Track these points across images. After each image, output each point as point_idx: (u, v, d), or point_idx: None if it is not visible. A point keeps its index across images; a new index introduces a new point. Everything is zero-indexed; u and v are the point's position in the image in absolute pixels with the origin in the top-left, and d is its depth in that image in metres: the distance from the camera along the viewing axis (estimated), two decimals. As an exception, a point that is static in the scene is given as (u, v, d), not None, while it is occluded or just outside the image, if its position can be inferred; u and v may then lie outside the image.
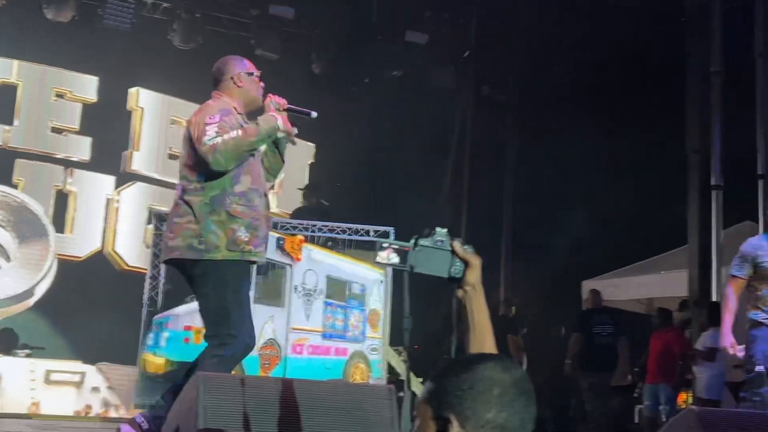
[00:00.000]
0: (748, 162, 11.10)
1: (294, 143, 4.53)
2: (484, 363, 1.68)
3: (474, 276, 2.14)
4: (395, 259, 2.17)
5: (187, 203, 4.15)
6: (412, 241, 2.15)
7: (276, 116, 4.26)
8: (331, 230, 11.44)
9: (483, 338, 2.10)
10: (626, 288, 13.07)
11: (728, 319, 5.98)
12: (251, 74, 4.47)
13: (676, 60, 12.08)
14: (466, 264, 2.12)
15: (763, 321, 5.84)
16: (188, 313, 9.35)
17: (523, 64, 13.78)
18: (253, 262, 4.31)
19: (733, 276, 6.05)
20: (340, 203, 12.69)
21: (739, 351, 6.86)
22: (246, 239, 4.16)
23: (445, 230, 2.17)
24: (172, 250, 4.18)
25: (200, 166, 4.12)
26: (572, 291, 13.34)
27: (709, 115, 11.32)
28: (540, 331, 13.06)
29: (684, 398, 10.77)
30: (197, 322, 9.39)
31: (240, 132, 4.10)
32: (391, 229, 11.26)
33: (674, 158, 12.09)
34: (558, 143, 13.39)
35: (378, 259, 2.19)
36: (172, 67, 12.64)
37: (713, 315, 10.32)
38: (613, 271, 13.34)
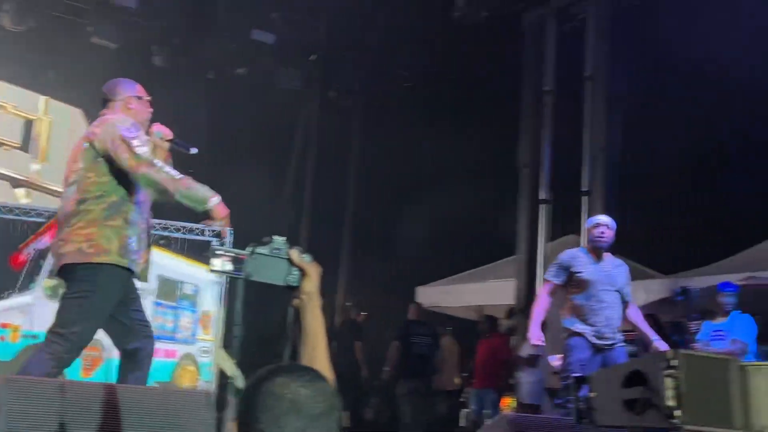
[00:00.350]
0: (575, 178, 11.71)
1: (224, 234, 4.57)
2: (272, 378, 1.71)
3: (310, 285, 2.15)
4: (229, 266, 2.16)
5: (82, 211, 4.18)
6: (249, 249, 2.14)
7: (216, 198, 4.26)
8: (165, 228, 11.12)
9: (315, 347, 2.11)
10: (458, 295, 13.46)
11: (537, 315, 6.32)
12: (141, 98, 4.52)
13: (513, 77, 12.58)
14: (303, 273, 2.13)
15: (579, 330, 6.16)
16: (4, 311, 8.84)
17: (369, 70, 13.93)
18: (133, 273, 4.34)
19: (548, 280, 6.40)
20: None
21: (554, 360, 7.26)
22: (135, 248, 4.26)
23: (283, 239, 2.17)
24: (61, 258, 4.20)
25: (104, 175, 4.20)
26: (409, 296, 13.62)
27: (540, 132, 11.84)
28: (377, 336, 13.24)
29: (508, 403, 11.17)
30: (15, 319, 8.92)
31: (179, 177, 4.15)
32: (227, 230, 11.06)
33: (508, 171, 12.58)
34: (401, 151, 13.64)
35: (212, 267, 2.17)
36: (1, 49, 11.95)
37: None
38: (447, 278, 13.71)
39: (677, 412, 3.68)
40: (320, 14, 13.91)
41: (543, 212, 11.84)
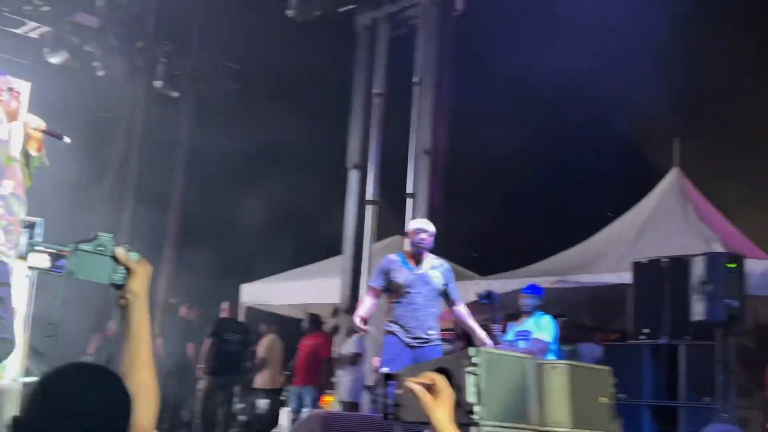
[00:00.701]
0: (401, 180, 11.95)
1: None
2: (57, 377, 1.70)
3: (137, 284, 2.05)
4: (47, 263, 2.04)
5: None
6: (72, 246, 2.04)
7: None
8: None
9: (138, 349, 2.02)
10: (284, 293, 13.43)
11: (362, 305, 6.56)
12: (11, 89, 4.60)
13: (345, 77, 12.68)
14: (129, 271, 2.03)
15: (390, 330, 6.32)
16: None
17: (199, 61, 13.61)
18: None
19: (371, 286, 6.55)
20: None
21: (376, 360, 7.41)
22: (1, 241, 4.33)
23: (109, 236, 2.08)
24: None
25: None
26: (234, 293, 13.44)
27: (369, 132, 11.98)
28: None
29: (328, 400, 11.23)
30: None
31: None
32: (39, 220, 10.48)
33: (337, 170, 12.66)
34: (231, 144, 13.41)
35: (29, 263, 2.06)
36: None
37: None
38: (273, 275, 13.64)
39: (477, 409, 3.80)
40: (148, 1, 13.46)
41: (370, 212, 11.99)
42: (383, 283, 6.46)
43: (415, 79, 11.51)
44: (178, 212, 14.21)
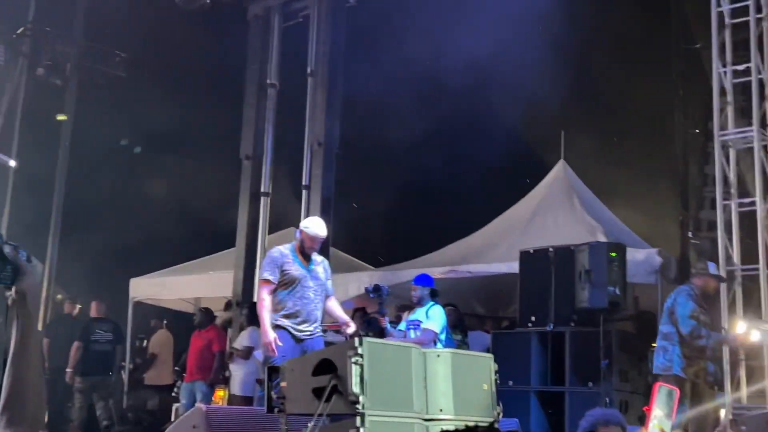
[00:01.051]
0: (296, 172, 11.88)
1: None
2: None
3: (25, 283, 1.93)
4: None
5: None
6: None
7: None
8: None
9: (25, 345, 1.91)
10: (175, 287, 13.16)
11: (267, 317, 6.40)
12: None
13: (238, 68, 12.51)
14: (18, 271, 1.91)
15: (280, 324, 6.36)
16: None
17: (83, 49, 13.15)
18: None
19: (265, 279, 6.49)
20: None
21: (259, 355, 7.33)
22: None
23: None
24: None
25: None
26: (123, 288, 13.11)
27: (263, 124, 11.86)
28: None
29: (222, 395, 11.08)
30: None
31: None
32: None
33: (231, 162, 12.49)
34: (119, 134, 13.07)
35: None
36: None
37: (252, 315, 10.84)
38: (164, 269, 13.34)
39: (361, 399, 3.81)
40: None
41: (263, 205, 11.88)
42: (278, 276, 6.48)
43: (308, 70, 11.47)
44: (62, 203, 13.72)
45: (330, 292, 6.79)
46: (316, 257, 6.72)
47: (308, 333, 6.43)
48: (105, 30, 12.88)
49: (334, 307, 6.83)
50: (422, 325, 7.74)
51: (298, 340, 6.30)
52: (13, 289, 1.95)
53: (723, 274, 8.71)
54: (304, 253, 6.59)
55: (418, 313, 7.85)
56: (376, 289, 7.88)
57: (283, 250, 6.64)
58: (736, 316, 8.16)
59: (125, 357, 12.74)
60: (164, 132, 12.54)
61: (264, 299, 6.48)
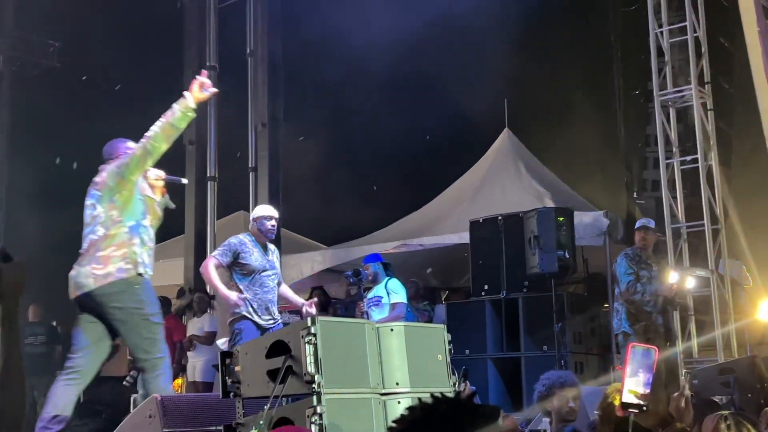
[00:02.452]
0: (242, 155, 11.77)
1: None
2: None
3: (3, 284, 1.82)
4: None
5: (110, 236, 4.91)
6: None
7: (186, 96, 4.95)
8: None
9: (8, 349, 1.82)
10: (126, 277, 12.97)
11: (218, 282, 6.49)
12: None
13: (176, 51, 12.30)
14: None
15: (243, 314, 6.39)
16: None
17: (14, 40, 12.80)
18: None
19: (216, 258, 6.53)
20: None
21: (223, 343, 7.33)
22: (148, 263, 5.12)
23: None
24: (105, 277, 4.84)
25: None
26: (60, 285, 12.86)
27: (205, 108, 11.70)
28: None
29: (179, 383, 11.00)
30: None
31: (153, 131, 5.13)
32: None
33: (174, 148, 12.29)
34: (56, 130, 12.78)
35: None
36: None
37: (208, 301, 10.78)
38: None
39: (317, 378, 3.79)
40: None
41: (210, 189, 11.76)
42: (229, 261, 6.47)
43: (248, 50, 11.35)
44: (2, 196, 13.42)
45: (281, 278, 6.83)
46: (270, 245, 6.73)
47: (271, 320, 6.48)
48: (35, 19, 12.53)
49: (288, 291, 6.86)
50: (387, 300, 7.76)
51: (263, 330, 6.32)
52: None
53: (669, 231, 8.88)
54: (261, 241, 6.60)
55: (377, 290, 7.87)
56: (356, 274, 7.87)
57: (243, 238, 6.63)
58: (669, 267, 8.31)
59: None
60: (105, 121, 12.27)
61: (210, 270, 6.45)
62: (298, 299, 6.80)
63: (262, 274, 6.48)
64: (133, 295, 4.97)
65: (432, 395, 1.71)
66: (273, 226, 6.60)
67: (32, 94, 12.97)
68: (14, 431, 1.82)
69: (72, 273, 4.99)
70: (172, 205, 5.55)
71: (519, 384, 8.59)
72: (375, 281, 7.94)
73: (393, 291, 7.85)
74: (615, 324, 7.93)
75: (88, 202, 5.12)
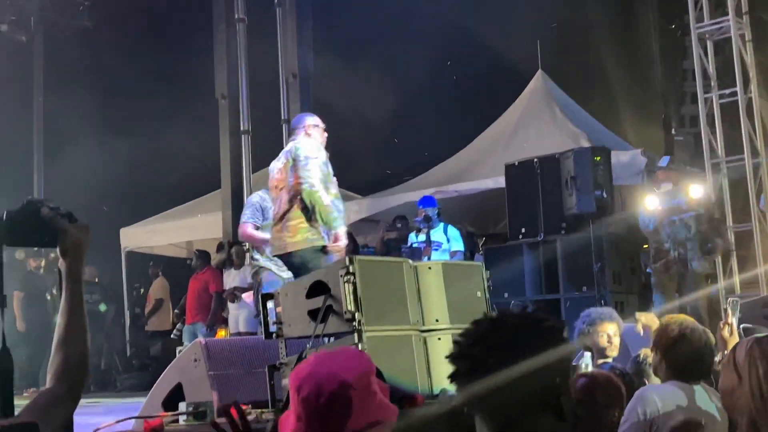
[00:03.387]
0: (274, 107, 11.75)
1: None
2: None
3: (68, 244, 1.89)
4: None
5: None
6: (4, 214, 1.90)
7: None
8: None
9: (72, 313, 1.88)
10: (166, 233, 13.16)
11: (261, 238, 6.62)
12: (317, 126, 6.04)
13: (204, 6, 12.26)
14: (60, 232, 1.87)
15: (265, 266, 6.65)
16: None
17: (47, 4, 12.85)
18: None
19: (251, 221, 6.72)
20: None
21: (248, 297, 7.50)
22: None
23: (39, 198, 1.97)
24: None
25: None
26: (112, 238, 13.07)
27: (235, 62, 11.67)
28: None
29: (223, 335, 11.18)
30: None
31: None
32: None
33: (207, 103, 12.34)
34: (91, 87, 12.85)
35: None
36: None
37: (245, 252, 10.87)
38: (152, 216, 13.31)
39: (357, 315, 3.83)
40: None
41: (245, 143, 11.78)
42: (260, 219, 6.62)
43: (275, 1, 11.26)
44: (40, 158, 13.60)
45: None
46: None
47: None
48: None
49: None
50: (447, 246, 7.78)
51: (284, 281, 6.36)
52: (58, 251, 1.91)
53: (708, 167, 8.75)
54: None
55: (435, 234, 7.86)
56: (427, 219, 7.89)
57: (262, 194, 6.76)
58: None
59: (123, 309, 12.81)
60: (138, 77, 12.34)
61: (254, 234, 6.64)
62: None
63: None
64: None
65: (499, 310, 1.73)
66: None
67: (65, 54, 13.06)
68: (77, 384, 1.88)
69: None
70: None
71: (559, 325, 8.58)
72: (430, 226, 7.94)
73: (453, 238, 7.88)
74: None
75: None
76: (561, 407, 1.65)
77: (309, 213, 5.61)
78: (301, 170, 5.63)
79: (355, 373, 1.87)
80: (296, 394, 1.88)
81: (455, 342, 1.71)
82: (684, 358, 3.31)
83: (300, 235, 5.62)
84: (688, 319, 3.45)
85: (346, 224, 6.74)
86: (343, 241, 5.74)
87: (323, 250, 5.60)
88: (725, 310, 7.80)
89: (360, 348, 3.77)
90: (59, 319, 1.91)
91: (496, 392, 1.61)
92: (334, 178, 5.98)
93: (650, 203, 8.31)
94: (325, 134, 6.14)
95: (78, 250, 1.94)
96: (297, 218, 5.63)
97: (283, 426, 1.95)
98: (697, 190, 8.00)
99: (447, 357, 1.69)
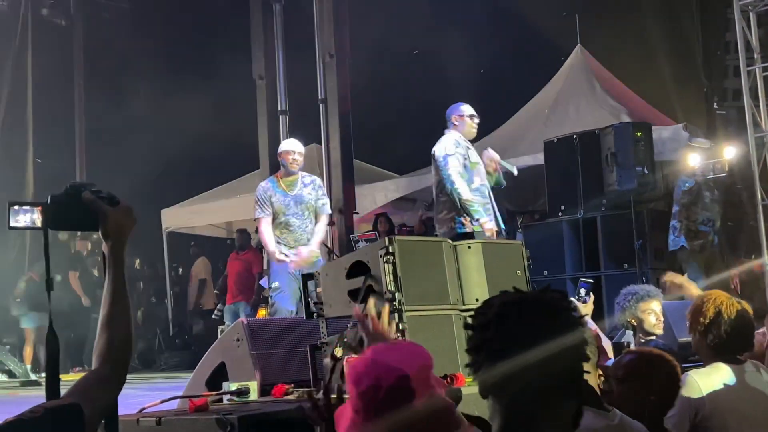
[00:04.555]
0: (311, 87, 11.76)
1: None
2: None
3: (109, 227, 1.91)
4: (26, 219, 1.93)
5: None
6: (48, 198, 1.94)
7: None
8: None
9: (115, 296, 1.91)
10: (206, 214, 13.28)
11: (269, 240, 6.66)
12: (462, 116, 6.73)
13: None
14: (101, 216, 1.90)
15: (279, 257, 6.56)
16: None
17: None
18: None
19: (263, 216, 6.73)
20: None
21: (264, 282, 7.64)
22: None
23: (81, 182, 1.99)
24: None
25: None
26: (153, 220, 13.22)
27: (272, 42, 11.68)
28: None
29: (264, 314, 11.29)
30: None
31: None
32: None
33: (244, 84, 12.39)
34: (130, 70, 12.96)
35: (10, 223, 1.92)
36: None
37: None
38: (192, 197, 13.44)
39: (397, 295, 3.84)
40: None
41: (282, 123, 11.81)
42: (269, 210, 6.66)
43: (312, -20, 11.23)
44: (82, 141, 13.77)
45: (322, 211, 6.85)
46: (304, 178, 6.82)
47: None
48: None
49: (318, 229, 6.85)
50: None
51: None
52: (99, 234, 1.92)
53: (752, 141, 8.61)
54: (285, 179, 6.74)
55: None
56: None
57: (264, 184, 6.85)
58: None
59: (166, 289, 12.98)
60: (176, 57, 12.42)
61: (263, 231, 6.68)
62: (315, 239, 6.77)
63: (286, 214, 6.60)
64: None
65: (514, 288, 1.70)
66: (294, 160, 6.71)
67: (104, 35, 13.17)
68: (122, 366, 1.90)
69: None
70: (503, 181, 7.03)
71: (600, 302, 8.51)
72: None
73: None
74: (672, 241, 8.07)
75: None
76: (580, 391, 1.64)
77: (456, 207, 6.29)
78: (442, 170, 6.35)
79: (414, 367, 1.84)
80: (354, 387, 1.86)
81: (465, 325, 1.69)
82: (724, 335, 3.23)
83: (446, 226, 6.34)
84: (721, 295, 3.34)
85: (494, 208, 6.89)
86: (489, 225, 6.26)
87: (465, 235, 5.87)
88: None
89: (400, 327, 3.79)
90: (103, 302, 1.92)
91: (513, 379, 1.58)
92: (480, 166, 6.58)
93: (693, 160, 8.38)
94: (476, 120, 6.77)
95: (120, 233, 1.94)
96: (442, 211, 6.39)
97: (339, 418, 1.95)
98: (730, 152, 8.08)
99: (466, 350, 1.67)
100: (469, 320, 1.70)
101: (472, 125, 6.73)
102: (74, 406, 1.70)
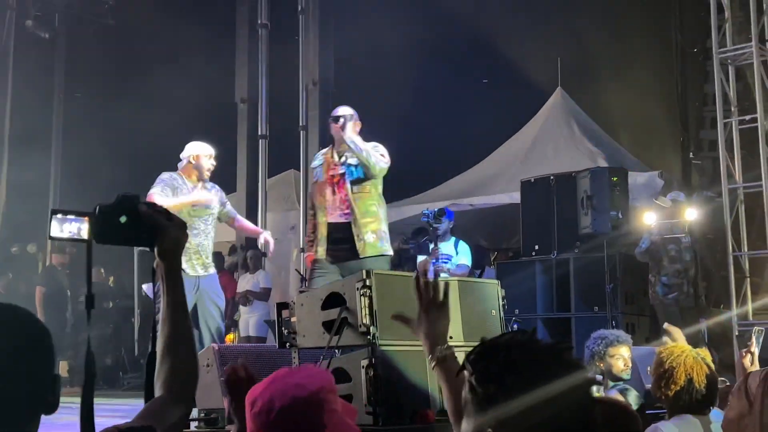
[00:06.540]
0: (292, 113, 11.79)
1: None
2: None
3: (167, 243, 1.80)
4: (70, 230, 1.80)
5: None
6: (95, 208, 1.81)
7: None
8: None
9: (173, 316, 1.80)
10: (179, 234, 13.18)
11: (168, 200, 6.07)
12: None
13: (227, 10, 12.32)
14: (156, 230, 1.78)
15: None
16: None
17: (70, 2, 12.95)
18: None
19: (157, 195, 6.01)
20: None
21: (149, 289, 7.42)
22: None
23: (132, 195, 1.86)
24: None
25: None
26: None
27: (256, 67, 11.73)
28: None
29: (231, 338, 11.19)
30: None
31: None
32: None
33: (226, 107, 12.38)
34: (110, 88, 12.91)
35: (51, 233, 1.79)
36: None
37: (257, 258, 10.90)
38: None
39: (372, 329, 3.83)
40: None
41: (262, 148, 11.82)
42: (170, 193, 6.09)
43: (299, 8, 11.32)
44: (58, 156, 13.65)
45: (232, 214, 6.56)
46: (207, 184, 6.32)
47: (201, 266, 6.13)
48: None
49: (244, 223, 6.80)
50: (455, 260, 7.72)
51: (192, 278, 5.96)
52: (156, 250, 1.79)
53: (725, 192, 8.74)
54: (194, 181, 6.23)
55: (445, 247, 7.78)
56: (440, 213, 7.76)
57: (173, 174, 6.24)
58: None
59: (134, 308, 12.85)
60: (159, 80, 12.39)
61: (157, 194, 5.97)
62: (254, 228, 6.90)
63: (192, 216, 6.00)
64: None
65: (509, 334, 1.64)
66: (213, 165, 6.32)
67: (87, 51, 13.13)
68: (188, 392, 1.78)
69: None
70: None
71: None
72: (442, 238, 7.81)
73: (462, 252, 7.81)
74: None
75: None
76: None
77: None
78: None
79: (310, 389, 1.80)
80: (250, 408, 1.83)
81: (468, 365, 1.59)
82: (695, 401, 3.24)
83: None
84: (689, 356, 3.30)
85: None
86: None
87: None
88: (737, 337, 7.79)
89: (373, 361, 3.77)
90: (161, 326, 1.80)
91: (515, 421, 1.51)
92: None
93: (648, 219, 8.49)
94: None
95: (177, 250, 1.84)
96: None
97: None
98: (691, 214, 8.22)
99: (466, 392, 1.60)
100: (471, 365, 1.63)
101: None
102: (149, 429, 1.61)
